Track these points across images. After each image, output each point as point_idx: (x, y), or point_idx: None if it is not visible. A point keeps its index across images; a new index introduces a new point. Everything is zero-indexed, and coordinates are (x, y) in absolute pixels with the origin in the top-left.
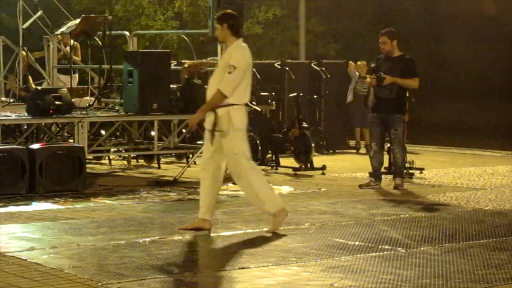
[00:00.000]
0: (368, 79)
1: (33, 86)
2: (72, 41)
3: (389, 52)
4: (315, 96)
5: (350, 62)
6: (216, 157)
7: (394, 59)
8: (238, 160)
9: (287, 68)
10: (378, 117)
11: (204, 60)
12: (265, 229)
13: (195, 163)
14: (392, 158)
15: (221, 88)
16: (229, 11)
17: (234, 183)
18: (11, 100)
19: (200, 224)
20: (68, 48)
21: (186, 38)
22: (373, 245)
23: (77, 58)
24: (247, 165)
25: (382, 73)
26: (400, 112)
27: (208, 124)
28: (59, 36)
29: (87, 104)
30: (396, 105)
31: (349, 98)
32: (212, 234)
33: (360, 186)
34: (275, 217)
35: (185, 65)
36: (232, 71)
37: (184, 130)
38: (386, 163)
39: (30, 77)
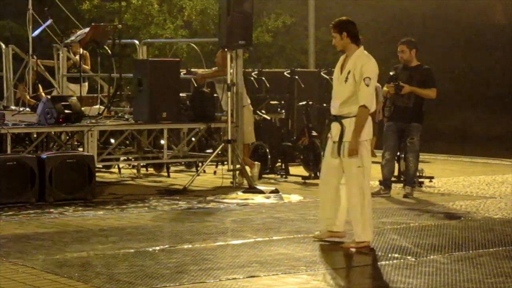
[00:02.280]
0: (385, 88)
1: (43, 94)
2: (81, 49)
3: (407, 61)
4: (324, 105)
5: None
6: (340, 169)
7: (412, 68)
8: (358, 175)
9: (296, 77)
10: (395, 125)
11: (213, 69)
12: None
13: (204, 171)
14: (406, 167)
15: (364, 102)
16: (345, 18)
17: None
18: (21, 109)
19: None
20: (77, 57)
21: (195, 46)
22: (382, 254)
23: (86, 67)
24: (368, 182)
25: (400, 82)
26: (418, 121)
27: (334, 135)
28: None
29: (97, 113)
30: (414, 114)
31: None
32: (222, 243)
33: None
34: (357, 243)
35: (200, 72)
36: (369, 83)
37: (193, 139)
38: (396, 171)
39: (40, 86)
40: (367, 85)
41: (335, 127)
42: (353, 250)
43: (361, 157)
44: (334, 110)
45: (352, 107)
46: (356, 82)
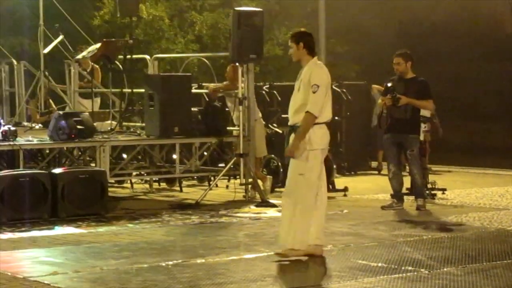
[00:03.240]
0: (380, 101)
1: (55, 110)
2: (92, 64)
3: (402, 73)
4: (336, 118)
5: (374, 85)
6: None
7: (408, 80)
8: (300, 183)
9: None
10: (393, 137)
11: (224, 83)
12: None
13: (216, 186)
14: (411, 180)
15: (310, 110)
16: (303, 29)
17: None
18: (33, 125)
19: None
20: (88, 72)
21: (206, 61)
22: (395, 267)
23: (98, 81)
24: (307, 192)
25: (397, 94)
26: (416, 133)
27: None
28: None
29: (109, 128)
30: (412, 126)
31: (375, 122)
32: (234, 257)
33: (382, 208)
34: (290, 250)
35: (211, 86)
36: (316, 90)
37: (205, 153)
38: (408, 184)
39: (51, 102)
40: (314, 92)
41: (290, 136)
42: (286, 258)
43: (304, 164)
44: (289, 120)
45: (302, 115)
46: (306, 90)
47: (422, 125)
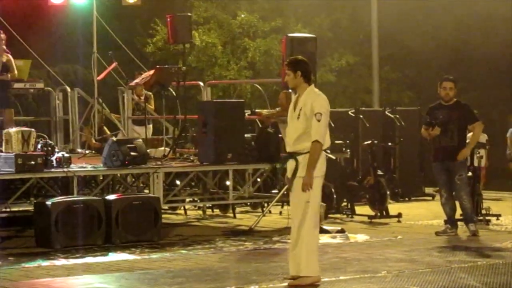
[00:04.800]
0: (423, 131)
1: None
2: (145, 91)
3: (451, 98)
4: (389, 144)
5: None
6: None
7: (451, 106)
8: (306, 209)
9: (361, 116)
10: (441, 164)
11: (277, 109)
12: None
13: (270, 212)
14: (461, 205)
15: (317, 138)
16: (300, 57)
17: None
18: (87, 152)
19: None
20: (142, 99)
21: (259, 87)
22: None
23: (151, 107)
24: (312, 218)
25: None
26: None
27: (289, 172)
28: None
29: (162, 155)
30: (458, 151)
31: None
32: (283, 284)
33: (437, 233)
34: (302, 278)
35: (264, 112)
36: (320, 118)
37: (258, 179)
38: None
39: (106, 129)
40: (318, 120)
41: (290, 164)
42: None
43: (309, 192)
44: (288, 148)
45: (305, 143)
46: (307, 119)
47: (476, 151)
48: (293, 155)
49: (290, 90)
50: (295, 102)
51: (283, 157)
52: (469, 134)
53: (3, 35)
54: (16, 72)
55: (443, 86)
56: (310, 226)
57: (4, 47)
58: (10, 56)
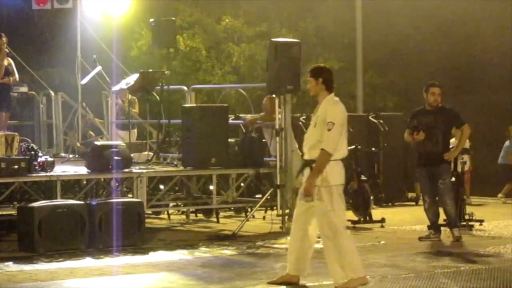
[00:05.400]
0: (406, 135)
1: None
2: (129, 95)
3: (438, 104)
4: (373, 149)
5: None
6: (309, 213)
7: (436, 111)
8: (329, 218)
9: None
10: (426, 170)
11: (261, 114)
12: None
13: (253, 216)
14: (444, 210)
15: (325, 147)
16: (323, 65)
17: None
18: (71, 156)
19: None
20: (126, 103)
21: (243, 92)
22: None
23: (135, 111)
24: (339, 223)
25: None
26: (447, 162)
27: (305, 179)
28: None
29: (146, 159)
30: (442, 156)
31: None
32: None
33: (420, 239)
34: (351, 280)
35: (248, 117)
36: (331, 128)
37: (242, 184)
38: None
39: (91, 133)
40: (329, 130)
41: (307, 171)
42: None
43: (331, 200)
44: (305, 155)
45: (318, 151)
46: (322, 127)
47: (460, 156)
48: (309, 162)
49: (274, 95)
50: (316, 110)
51: (301, 164)
52: (452, 139)
53: (4, 38)
54: (17, 76)
55: (432, 92)
56: (341, 231)
57: (7, 50)
58: (11, 60)
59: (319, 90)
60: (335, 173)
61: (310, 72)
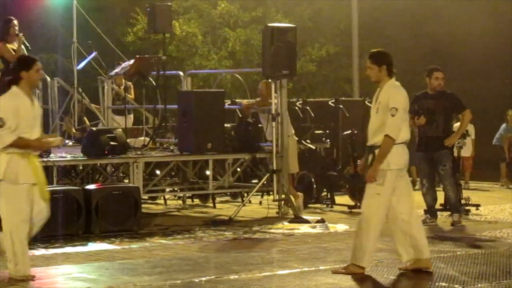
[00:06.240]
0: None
1: (89, 126)
2: (125, 81)
3: (440, 88)
4: None
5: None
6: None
7: (437, 95)
8: (376, 201)
9: (341, 106)
10: (425, 155)
11: (257, 99)
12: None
13: (250, 202)
14: (445, 195)
15: (389, 133)
16: (384, 50)
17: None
18: (67, 141)
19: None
20: (122, 88)
21: (239, 77)
22: (430, 283)
23: (130, 97)
24: (382, 210)
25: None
26: (448, 148)
27: (369, 165)
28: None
29: (142, 144)
30: (443, 141)
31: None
32: (268, 273)
33: None
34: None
35: (244, 102)
36: (395, 113)
37: (238, 169)
38: (442, 200)
39: (85, 118)
40: (393, 115)
41: (369, 156)
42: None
43: (381, 184)
44: (368, 141)
45: (381, 137)
46: (385, 112)
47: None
48: (371, 148)
49: (270, 80)
50: (377, 95)
51: (366, 150)
52: (456, 124)
53: (15, 21)
54: None
55: (435, 76)
56: (372, 218)
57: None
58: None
59: (381, 76)
60: (396, 157)
61: (371, 58)
